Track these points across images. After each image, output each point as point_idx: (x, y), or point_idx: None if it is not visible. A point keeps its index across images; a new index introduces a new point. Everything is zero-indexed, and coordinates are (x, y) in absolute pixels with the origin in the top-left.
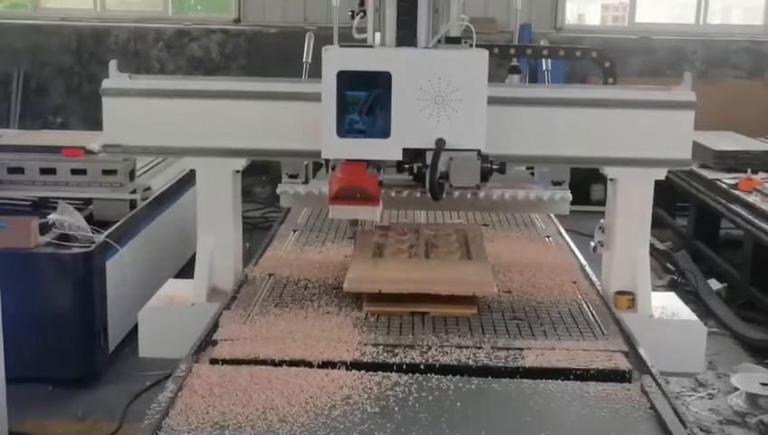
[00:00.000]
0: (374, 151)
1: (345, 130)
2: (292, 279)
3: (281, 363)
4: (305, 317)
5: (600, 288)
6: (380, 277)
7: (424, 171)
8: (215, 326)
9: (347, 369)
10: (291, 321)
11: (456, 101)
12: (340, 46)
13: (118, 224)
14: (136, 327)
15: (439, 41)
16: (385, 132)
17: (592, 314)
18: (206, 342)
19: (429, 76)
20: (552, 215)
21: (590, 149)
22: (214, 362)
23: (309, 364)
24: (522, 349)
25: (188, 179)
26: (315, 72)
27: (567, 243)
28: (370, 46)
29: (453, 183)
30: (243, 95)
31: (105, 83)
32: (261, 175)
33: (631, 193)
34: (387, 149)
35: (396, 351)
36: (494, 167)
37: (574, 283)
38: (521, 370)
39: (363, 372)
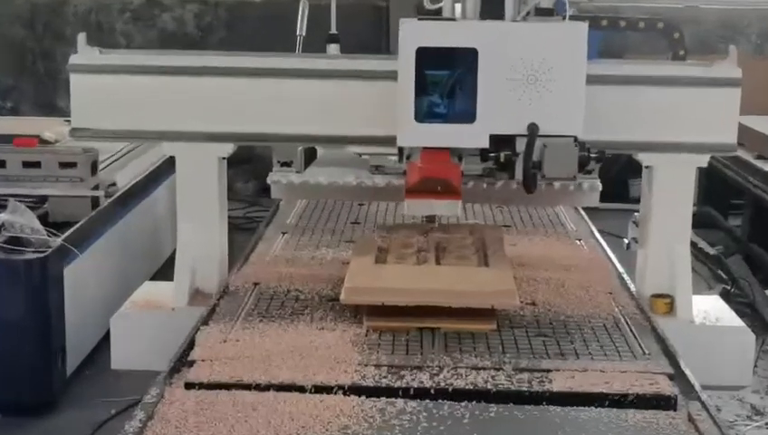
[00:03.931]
0: (457, 138)
1: (424, 114)
2: (281, 289)
3: (267, 388)
4: (296, 334)
5: (636, 293)
6: (383, 287)
7: (513, 160)
8: (190, 344)
9: (344, 394)
10: (279, 338)
11: (550, 80)
12: (419, 19)
13: (78, 225)
14: (99, 345)
15: (528, 13)
16: (469, 117)
17: (631, 330)
18: (181, 362)
19: (521, 53)
20: (584, 214)
21: (621, 133)
22: (189, 386)
23: (300, 389)
24: (548, 371)
25: (162, 172)
26: (309, 46)
27: (602, 246)
28: (452, 19)
29: (547, 174)
30: (231, 72)
31: (73, 59)
32: (243, 167)
33: (669, 182)
34: (471, 136)
35: (402, 373)
36: (593, 155)
37: (610, 293)
38: (547, 395)
39: (363, 397)
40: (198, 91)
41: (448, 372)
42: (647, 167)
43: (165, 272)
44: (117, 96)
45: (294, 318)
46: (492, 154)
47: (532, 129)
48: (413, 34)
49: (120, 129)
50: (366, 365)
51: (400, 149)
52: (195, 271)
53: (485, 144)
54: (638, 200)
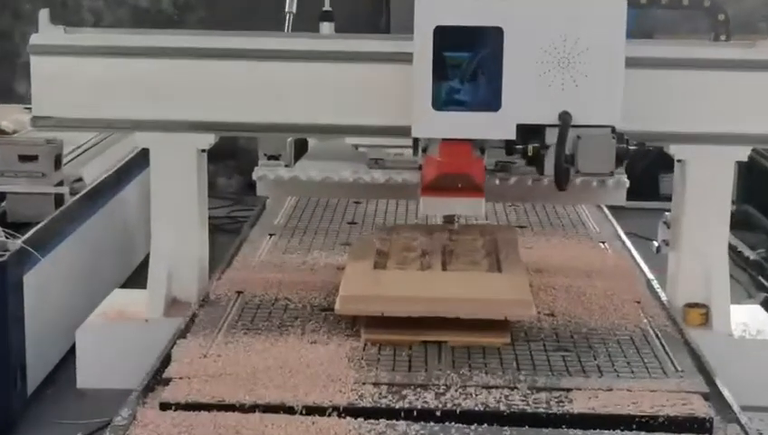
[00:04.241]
0: (480, 128)
1: (443, 101)
2: (268, 298)
3: (253, 409)
4: (285, 348)
5: (667, 302)
6: (383, 296)
7: (542, 154)
8: (166, 360)
9: (339, 416)
10: (266, 353)
11: (585, 64)
12: None
13: (39, 226)
14: (63, 361)
15: None
16: (494, 104)
17: (662, 344)
18: (156, 380)
19: (552, 33)
20: (608, 213)
21: (651, 122)
22: (165, 406)
23: (290, 410)
24: (569, 390)
25: (134, 166)
26: (299, 25)
27: (628, 250)
28: None
29: (580, 169)
30: (211, 53)
31: (34, 39)
32: (226, 161)
33: (704, 178)
34: (496, 126)
35: (404, 392)
36: (632, 147)
37: (637, 303)
38: (568, 417)
39: (361, 419)
40: (175, 76)
41: (456, 391)
42: (679, 160)
43: (137, 278)
44: (83, 81)
45: (283, 330)
46: (519, 146)
47: (565, 118)
48: (430, 11)
49: (88, 117)
50: (363, 383)
51: (415, 141)
52: (171, 277)
53: (512, 135)
54: (669, 198)
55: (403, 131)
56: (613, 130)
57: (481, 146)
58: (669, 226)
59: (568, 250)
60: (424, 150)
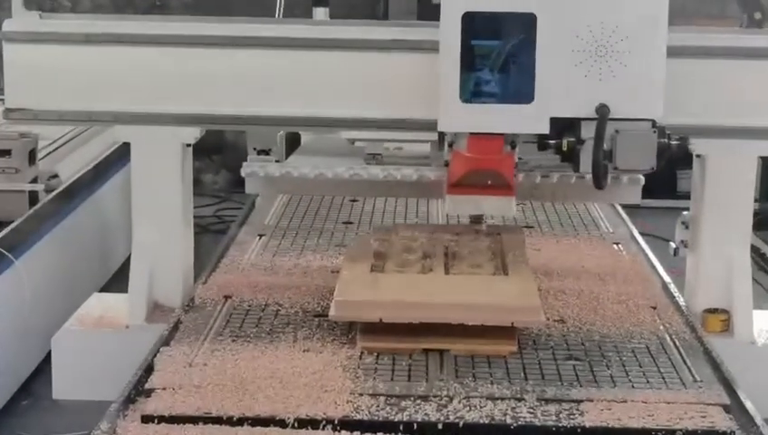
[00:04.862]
0: (510, 122)
1: (471, 92)
2: (257, 303)
3: (241, 422)
4: (276, 357)
5: (685, 308)
6: (381, 301)
7: (578, 149)
8: (148, 369)
9: (334, 429)
10: (255, 362)
11: (624, 52)
12: None
13: (13, 225)
14: (39, 370)
15: None
16: (526, 96)
17: (679, 353)
18: (137, 391)
19: (589, 19)
20: (622, 212)
21: (668, 114)
22: (147, 419)
23: (281, 423)
24: (580, 401)
25: (114, 162)
26: (290, 11)
27: (644, 252)
28: None
29: (619, 166)
30: (197, 41)
31: (7, 25)
32: (213, 157)
33: (725, 174)
34: (528, 119)
35: (403, 404)
36: (674, 142)
37: (653, 308)
38: (579, 430)
39: (357, 433)
40: (159, 65)
41: (459, 402)
42: (698, 156)
43: (117, 282)
44: (60, 70)
45: (274, 338)
46: (552, 141)
47: (602, 111)
48: None
49: (64, 109)
50: (360, 395)
51: (441, 136)
52: (153, 281)
53: (545, 129)
54: (687, 196)
55: (405, 125)
56: (654, 123)
57: (511, 141)
58: (688, 226)
59: (579, 252)
60: (450, 145)
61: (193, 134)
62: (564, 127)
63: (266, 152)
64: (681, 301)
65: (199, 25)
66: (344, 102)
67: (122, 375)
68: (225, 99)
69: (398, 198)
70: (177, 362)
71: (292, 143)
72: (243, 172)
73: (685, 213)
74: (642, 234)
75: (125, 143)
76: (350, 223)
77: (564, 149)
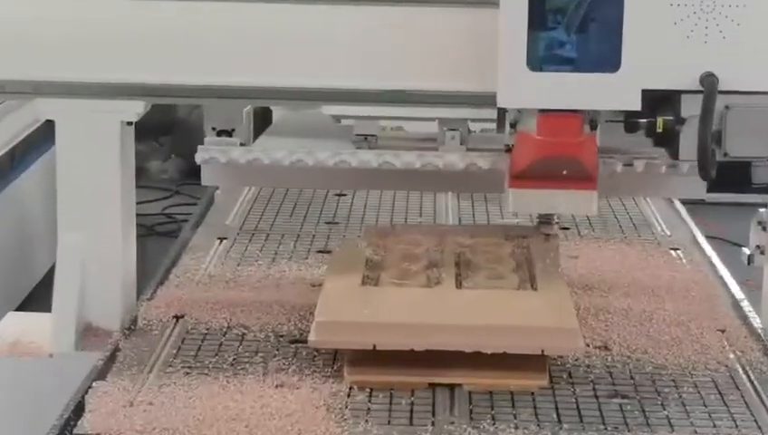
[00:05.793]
0: (592, 96)
1: (540, 58)
2: (217, 325)
3: None
4: (240, 393)
5: (762, 332)
6: (375, 322)
7: (677, 130)
8: (78, 409)
9: None
10: (214, 400)
11: (736, 7)
12: None
13: None
14: None
15: None
16: (611, 63)
17: (755, 388)
18: None
19: None
20: (683, 210)
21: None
22: None
23: None
24: None
25: (33, 146)
26: None
27: (709, 260)
28: None
29: (729, 151)
30: None
31: None
32: (160, 139)
33: None
34: (613, 92)
35: None
36: None
37: (722, 332)
38: None
39: None
40: (91, 20)
41: None
42: None
43: (39, 297)
44: None
45: (238, 369)
46: (643, 120)
47: (710, 82)
48: None
49: None
50: None
51: (501, 113)
52: (85, 297)
53: (635, 105)
54: (765, 190)
55: (410, 98)
56: None
57: (591, 119)
58: (765, 227)
59: (627, 260)
60: (513, 126)
61: (135, 110)
62: (659, 102)
63: (228, 133)
64: (757, 322)
65: None
66: (328, 69)
67: (45, 416)
68: (176, 64)
69: (397, 192)
70: (114, 400)
71: (262, 121)
72: (198, 159)
73: (762, 211)
74: (708, 237)
75: (48, 121)
76: (336, 223)
77: (659, 130)
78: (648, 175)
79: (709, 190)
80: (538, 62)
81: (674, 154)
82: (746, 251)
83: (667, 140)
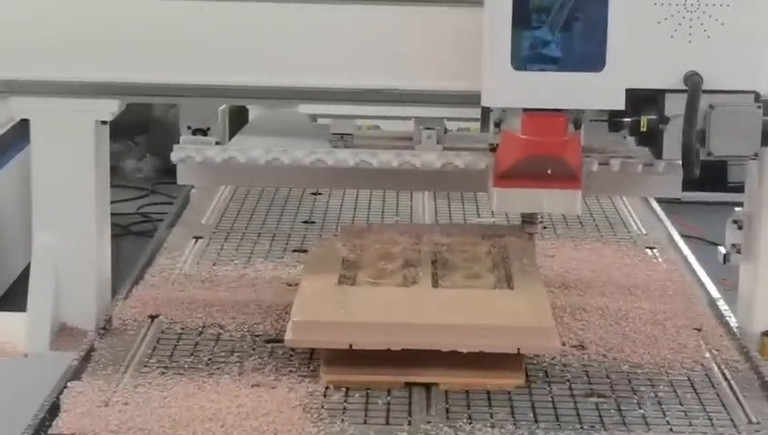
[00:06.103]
0: (576, 95)
1: (525, 57)
2: (193, 325)
3: None
4: (216, 393)
5: (738, 330)
6: (351, 322)
7: (661, 129)
8: (53, 409)
9: None
10: (190, 400)
11: (720, 6)
12: None
13: None
14: None
15: None
16: (595, 62)
17: (730, 387)
18: None
19: None
20: (659, 209)
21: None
22: None
23: None
24: None
25: (7, 146)
26: None
27: (685, 259)
28: None
29: (713, 150)
30: None
31: None
32: (134, 139)
33: None
34: (598, 91)
35: None
36: None
37: (698, 330)
38: None
39: None
40: (66, 17)
41: None
42: None
43: (13, 298)
44: None
45: (214, 369)
46: (628, 120)
47: (694, 81)
48: None
49: None
50: None
51: (486, 112)
52: (60, 296)
53: (619, 104)
54: (740, 189)
55: (382, 96)
56: (758, 97)
57: (576, 118)
58: (741, 226)
59: (604, 259)
60: (497, 125)
61: (110, 109)
62: (644, 101)
63: (204, 132)
64: (733, 321)
65: None
66: (304, 67)
67: (19, 417)
68: (152, 63)
69: (373, 191)
70: (89, 400)
71: (238, 120)
72: (174, 157)
73: (738, 210)
74: (684, 236)
75: (23, 120)
76: (312, 222)
77: (643, 129)
78: (624, 174)
79: (685, 189)
80: (522, 61)
81: (657, 153)
82: (722, 250)
83: (651, 140)
